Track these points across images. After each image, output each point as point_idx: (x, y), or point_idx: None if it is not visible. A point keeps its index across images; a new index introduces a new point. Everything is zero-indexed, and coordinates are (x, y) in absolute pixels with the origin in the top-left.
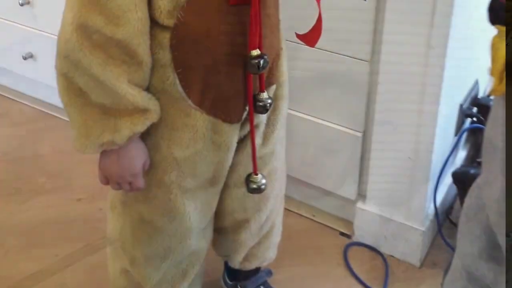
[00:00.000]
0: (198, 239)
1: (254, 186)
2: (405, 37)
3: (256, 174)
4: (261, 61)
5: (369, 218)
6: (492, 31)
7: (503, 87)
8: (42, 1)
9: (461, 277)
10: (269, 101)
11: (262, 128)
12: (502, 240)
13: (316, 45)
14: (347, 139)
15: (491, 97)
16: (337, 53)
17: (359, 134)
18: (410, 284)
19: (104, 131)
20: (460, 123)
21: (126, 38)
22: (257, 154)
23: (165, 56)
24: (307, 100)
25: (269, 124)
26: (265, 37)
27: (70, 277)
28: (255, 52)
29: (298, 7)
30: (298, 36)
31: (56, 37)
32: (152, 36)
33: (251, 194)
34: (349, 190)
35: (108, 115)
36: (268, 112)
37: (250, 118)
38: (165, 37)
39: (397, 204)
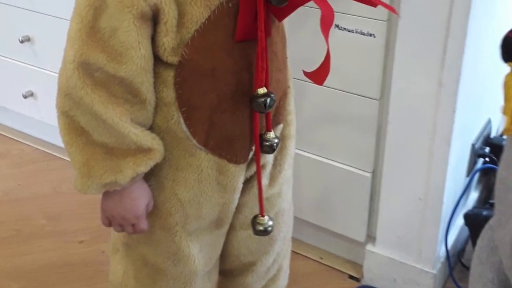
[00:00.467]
0: (203, 282)
1: (261, 228)
2: (415, 75)
3: (263, 216)
4: (268, 100)
5: (379, 260)
6: (505, 69)
7: None
8: (43, 38)
9: None
10: (276, 140)
11: (268, 168)
12: None
13: (324, 83)
14: (356, 179)
15: (504, 137)
16: (345, 92)
17: (368, 175)
18: None
19: (106, 171)
20: (472, 163)
21: (129, 76)
22: (264, 195)
23: (169, 94)
24: (315, 140)
25: (276, 164)
26: (272, 74)
27: None
28: (262, 90)
29: (306, 44)
30: (305, 74)
31: (57, 75)
32: (156, 74)
33: (257, 236)
34: (358, 232)
35: (111, 155)
36: (275, 152)
37: (256, 159)
38: (169, 75)
39: (408, 246)
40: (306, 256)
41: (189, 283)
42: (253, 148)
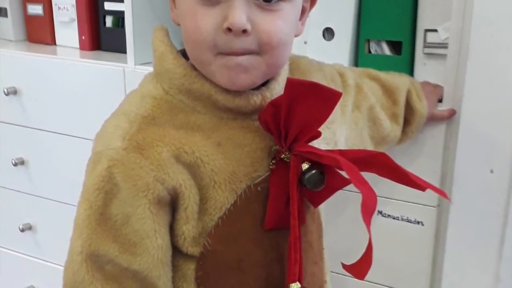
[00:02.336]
0: None
1: None
2: (469, 268)
3: None
4: None
5: None
6: None
7: None
8: (45, 227)
9: None
10: None
11: None
12: None
13: (366, 277)
14: None
15: None
16: (391, 287)
17: None
18: None
19: None
20: None
21: (144, 269)
22: None
23: None
24: None
25: None
26: (307, 268)
27: None
28: (295, 285)
29: (345, 233)
30: (345, 267)
31: (62, 268)
32: (175, 267)
33: None
34: None
35: None
36: None
37: None
38: (189, 268)
39: None
40: None
41: None
42: None
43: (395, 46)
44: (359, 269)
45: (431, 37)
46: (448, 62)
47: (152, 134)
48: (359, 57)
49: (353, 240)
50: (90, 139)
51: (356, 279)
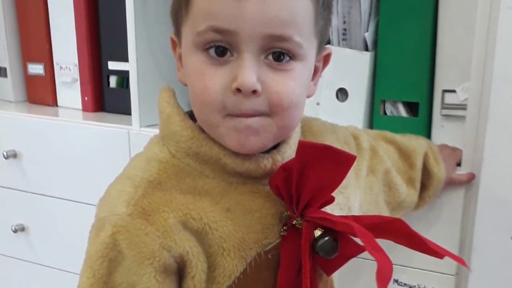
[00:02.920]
0: None
1: None
2: None
3: None
4: None
5: None
6: None
7: None
8: None
9: None
10: None
11: None
12: None
13: None
14: None
15: None
16: None
17: None
18: None
19: None
20: None
21: None
22: None
23: None
24: None
25: None
26: None
27: None
28: None
29: None
30: None
31: None
32: None
33: None
34: None
35: None
36: None
37: None
38: None
39: None
40: None
41: None
42: None
43: (412, 107)
44: None
45: (449, 98)
46: (467, 124)
47: (158, 199)
48: (374, 118)
49: None
50: (93, 205)
51: None
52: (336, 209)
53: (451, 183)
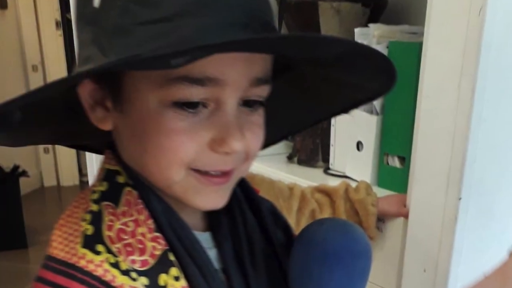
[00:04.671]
0: None
1: None
2: None
3: None
4: None
5: None
6: None
7: None
8: None
9: None
10: None
11: None
12: None
13: None
14: None
15: None
16: None
17: None
18: None
19: None
20: None
21: None
22: None
23: None
24: None
25: None
26: None
27: None
28: None
29: None
30: None
31: None
32: None
33: None
34: None
35: None
36: None
37: None
38: None
39: None
40: None
41: None
42: None
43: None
44: None
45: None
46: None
47: None
48: (379, 167)
49: None
50: None
51: None
52: None
53: (385, 214)
